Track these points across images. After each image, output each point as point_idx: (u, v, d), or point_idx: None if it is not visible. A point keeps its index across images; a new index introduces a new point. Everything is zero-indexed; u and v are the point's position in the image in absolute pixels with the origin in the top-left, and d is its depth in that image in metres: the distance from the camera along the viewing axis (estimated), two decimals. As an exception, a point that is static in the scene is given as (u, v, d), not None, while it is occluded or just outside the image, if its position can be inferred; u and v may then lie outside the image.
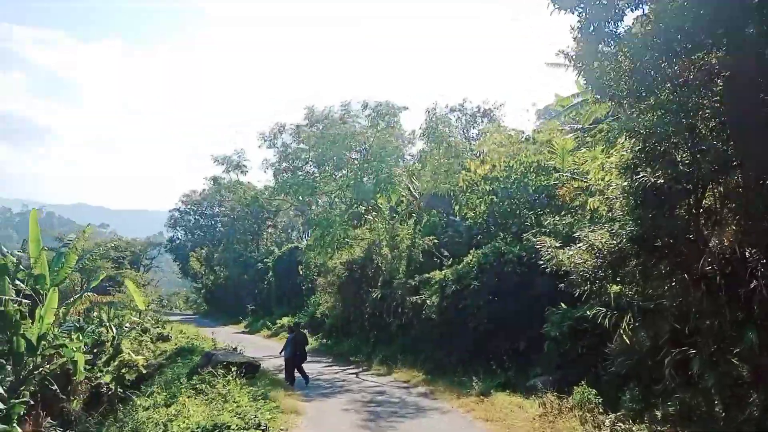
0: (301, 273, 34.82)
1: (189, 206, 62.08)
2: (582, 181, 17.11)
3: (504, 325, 15.18)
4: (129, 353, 15.70)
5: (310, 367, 19.23)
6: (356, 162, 23.19)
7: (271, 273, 40.38)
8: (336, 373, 18.23)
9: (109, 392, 14.97)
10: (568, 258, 9.78)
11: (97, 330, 22.12)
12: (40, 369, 16.09)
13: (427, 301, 18.18)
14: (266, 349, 25.57)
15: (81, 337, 19.73)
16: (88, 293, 18.79)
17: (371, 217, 24.20)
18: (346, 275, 25.83)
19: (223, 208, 55.31)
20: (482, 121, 34.96)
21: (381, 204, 24.17)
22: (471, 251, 18.10)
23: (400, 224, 23.50)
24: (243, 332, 35.54)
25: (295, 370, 15.72)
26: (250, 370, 14.67)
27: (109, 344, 21.75)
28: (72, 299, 18.71)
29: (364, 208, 23.00)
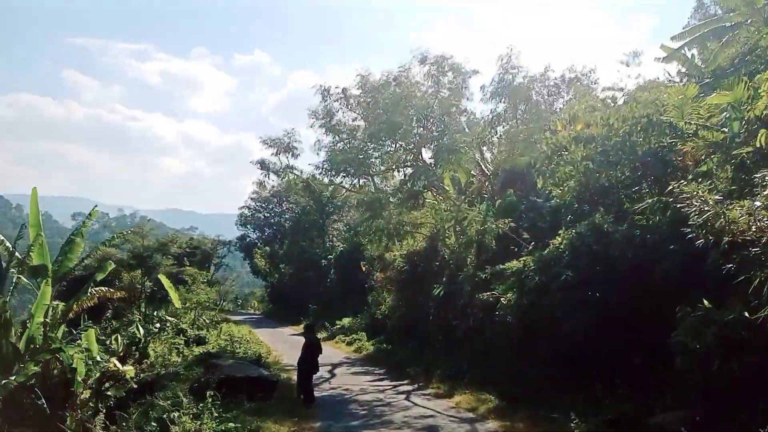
0: (363, 269, 31.41)
1: (258, 203, 60.69)
2: (718, 131, 12.24)
3: (610, 330, 10.72)
4: (115, 363, 12.71)
5: (357, 381, 15.50)
6: (415, 131, 19.22)
7: (333, 270, 37.25)
8: (382, 391, 14.33)
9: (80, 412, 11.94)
10: (748, 215, 5.33)
11: (130, 331, 19.74)
12: (32, 378, 13.43)
13: (502, 299, 13.94)
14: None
15: (116, 340, 17.27)
16: (94, 289, 16.20)
17: (432, 198, 20.15)
18: (406, 269, 21.98)
19: (291, 204, 53.09)
20: (568, 92, 29.91)
21: (445, 182, 20.08)
22: (560, 232, 13.64)
23: (469, 206, 19.28)
24: (301, 334, 32.62)
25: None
26: (264, 389, 11.17)
27: (134, 348, 19.23)
28: (76, 296, 16.11)
29: (422, 183, 18.95)
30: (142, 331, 18.84)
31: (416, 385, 14.83)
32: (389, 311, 24.10)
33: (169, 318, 22.39)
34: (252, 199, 60.40)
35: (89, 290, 15.23)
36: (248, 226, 61.59)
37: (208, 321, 30.39)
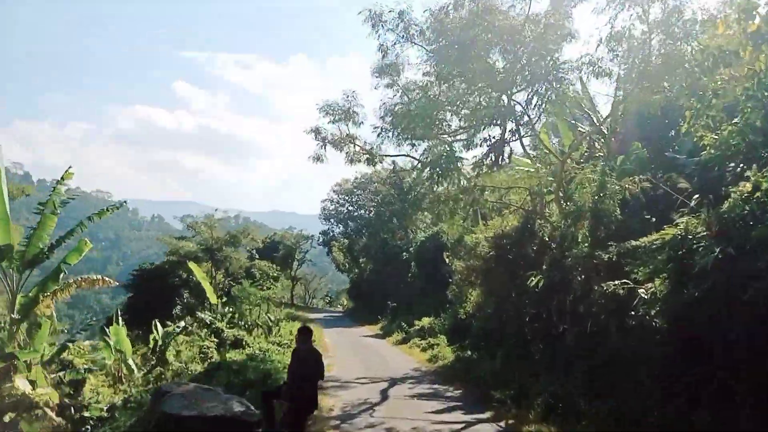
0: (447, 260, 26.54)
1: (341, 196, 57.40)
2: None
3: None
4: (27, 385, 8.90)
5: (415, 410, 10.71)
6: (498, 63, 14.09)
7: (414, 263, 32.62)
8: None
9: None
10: None
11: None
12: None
13: (640, 291, 8.58)
14: (376, 362, 17.78)
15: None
16: (72, 280, 12.73)
17: (525, 155, 14.89)
18: (493, 256, 16.83)
19: (371, 194, 49.14)
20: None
21: (542, 136, 14.76)
22: (738, 186, 8.00)
23: (578, 165, 13.84)
24: (374, 335, 28.29)
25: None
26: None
27: (150, 353, 15.78)
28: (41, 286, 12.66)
29: (508, 133, 13.76)
30: (160, 331, 15.35)
31: (503, 425, 9.72)
32: (474, 310, 19.06)
33: (205, 315, 18.92)
34: (334, 191, 57.30)
35: (60, 279, 11.86)
36: (331, 221, 58.47)
37: (272, 319, 26.97)
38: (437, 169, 14.37)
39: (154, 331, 15.39)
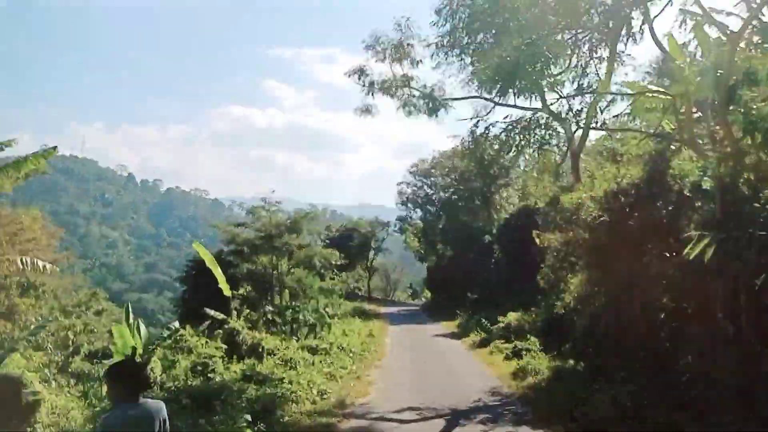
0: (537, 241, 21.17)
1: (417, 178, 52.52)
2: None
3: None
4: None
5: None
6: None
7: (497, 247, 27.28)
8: None
9: None
10: None
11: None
12: None
13: None
14: (438, 378, 12.94)
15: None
16: None
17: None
18: (605, 223, 11.37)
19: (450, 170, 43.78)
20: None
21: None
22: None
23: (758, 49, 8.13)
24: (449, 335, 23.30)
25: None
26: None
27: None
28: None
29: None
30: (143, 332, 11.43)
31: None
32: (575, 302, 13.63)
33: (214, 313, 14.99)
34: (411, 173, 52.43)
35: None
36: (408, 205, 53.67)
37: (329, 314, 22.90)
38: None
39: (135, 334, 11.57)
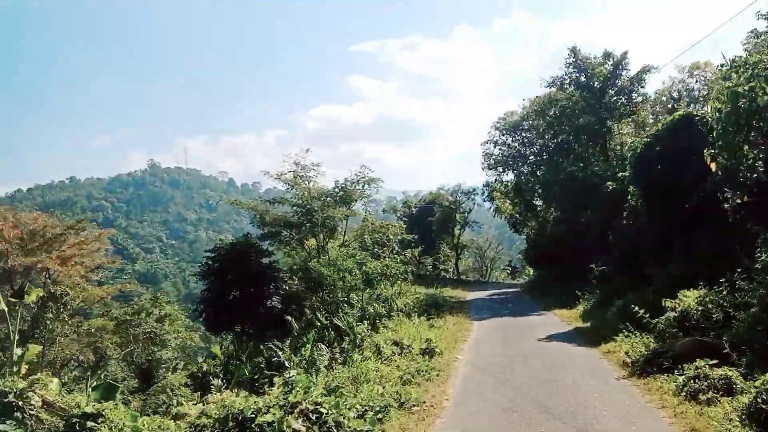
0: (709, 160, 12.25)
1: (505, 135, 42.91)
2: None
3: None
4: None
5: None
6: None
7: (631, 189, 17.91)
8: None
9: None
10: None
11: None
12: None
13: None
14: None
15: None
16: None
17: None
18: None
19: (547, 108, 34.04)
20: None
21: None
22: None
23: None
24: (573, 336, 14.43)
25: None
26: None
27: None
28: None
29: None
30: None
31: None
32: None
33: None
34: (497, 128, 42.81)
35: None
36: (498, 169, 44.29)
37: (380, 310, 15.20)
38: None
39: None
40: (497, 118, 42.33)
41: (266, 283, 19.68)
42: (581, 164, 27.48)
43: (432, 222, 43.32)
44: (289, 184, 24.53)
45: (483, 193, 43.51)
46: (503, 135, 42.24)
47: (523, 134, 40.70)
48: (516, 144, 41.28)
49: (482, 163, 43.98)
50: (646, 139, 16.17)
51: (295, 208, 24.10)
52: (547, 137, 33.75)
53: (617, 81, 27.38)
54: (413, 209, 45.89)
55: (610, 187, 21.52)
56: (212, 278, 19.86)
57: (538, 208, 32.55)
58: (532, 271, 53.94)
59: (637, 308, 11.02)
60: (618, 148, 27.67)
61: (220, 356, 15.17)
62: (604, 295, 17.26)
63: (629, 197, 17.97)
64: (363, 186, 24.61)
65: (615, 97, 27.49)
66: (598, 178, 23.71)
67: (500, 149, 42.21)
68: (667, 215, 15.01)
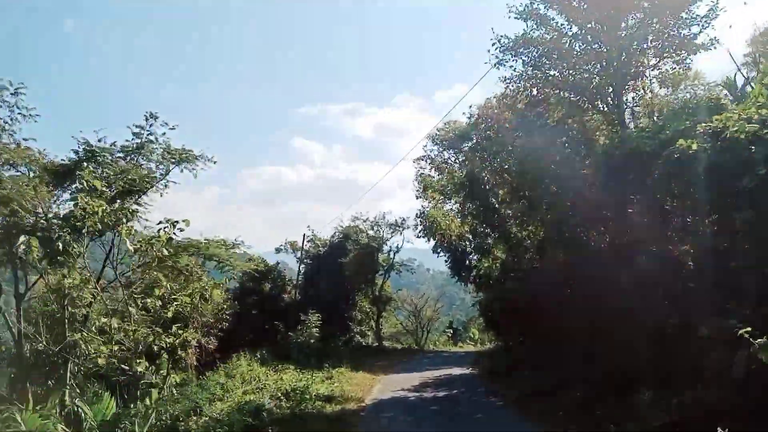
0: None
1: (448, 152, 31.47)
2: None
3: None
4: None
5: None
6: None
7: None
8: None
9: None
10: None
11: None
12: None
13: None
14: None
15: None
16: None
17: None
18: None
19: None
20: None
21: None
22: None
23: None
24: None
25: None
26: None
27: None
28: None
29: None
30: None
31: None
32: None
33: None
34: (435, 142, 31.00)
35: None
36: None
37: None
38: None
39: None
40: (437, 130, 30.98)
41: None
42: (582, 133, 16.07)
43: (344, 265, 30.94)
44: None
45: (416, 226, 31.30)
46: (444, 152, 31.07)
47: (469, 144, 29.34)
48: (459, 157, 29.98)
49: (416, 188, 32.35)
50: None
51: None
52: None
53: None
54: (320, 249, 33.35)
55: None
56: None
57: (509, 223, 20.78)
58: (478, 335, 41.70)
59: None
60: (639, 110, 16.48)
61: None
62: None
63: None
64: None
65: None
66: (621, 154, 12.19)
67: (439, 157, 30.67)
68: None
